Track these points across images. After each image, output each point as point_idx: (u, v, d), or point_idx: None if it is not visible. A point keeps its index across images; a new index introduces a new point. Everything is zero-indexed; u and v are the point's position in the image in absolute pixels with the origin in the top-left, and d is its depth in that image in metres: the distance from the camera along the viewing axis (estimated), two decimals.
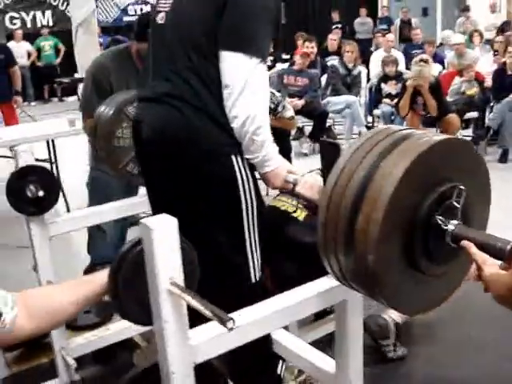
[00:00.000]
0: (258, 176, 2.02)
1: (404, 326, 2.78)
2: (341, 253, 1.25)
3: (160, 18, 2.02)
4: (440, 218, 1.22)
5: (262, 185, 2.10)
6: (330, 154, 1.51)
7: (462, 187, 1.24)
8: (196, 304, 1.18)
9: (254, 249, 2.01)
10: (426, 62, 6.35)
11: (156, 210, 1.91)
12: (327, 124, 7.55)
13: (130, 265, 1.27)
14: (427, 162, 1.20)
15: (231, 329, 1.15)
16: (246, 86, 1.81)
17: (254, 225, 1.99)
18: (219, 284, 1.92)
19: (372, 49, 10.75)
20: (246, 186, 1.94)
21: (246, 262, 2.01)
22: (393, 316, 2.65)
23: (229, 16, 1.82)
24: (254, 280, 2.04)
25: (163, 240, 1.21)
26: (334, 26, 13.41)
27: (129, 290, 1.29)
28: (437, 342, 2.85)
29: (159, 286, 1.23)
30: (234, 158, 1.91)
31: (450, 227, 1.23)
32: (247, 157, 1.91)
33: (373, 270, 1.19)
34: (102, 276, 1.31)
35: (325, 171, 1.55)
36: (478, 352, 2.74)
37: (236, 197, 1.94)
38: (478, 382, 2.55)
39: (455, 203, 1.24)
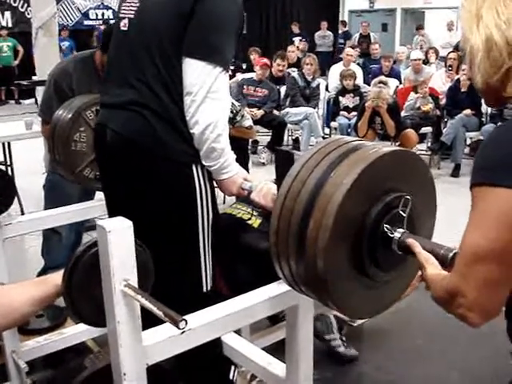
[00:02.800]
0: (215, 185, 2.05)
1: (354, 334, 2.84)
2: (292, 258, 1.29)
3: (123, 25, 2.01)
4: (387, 226, 1.27)
5: (218, 192, 2.13)
6: (284, 162, 1.55)
7: (407, 197, 1.29)
8: (149, 305, 1.20)
9: (207, 259, 2.03)
10: (385, 83, 6.52)
11: (112, 214, 1.92)
12: (294, 136, 7.68)
13: (84, 266, 1.29)
14: (375, 173, 1.25)
15: (183, 330, 1.18)
16: (209, 93, 1.83)
17: (208, 235, 2.01)
18: (171, 292, 1.92)
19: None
20: (204, 197, 1.97)
21: (199, 272, 2.03)
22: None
23: (194, 25, 1.84)
24: (205, 289, 2.06)
25: (119, 242, 1.23)
26: (296, 38, 13.59)
27: (83, 292, 1.31)
28: (386, 350, 2.92)
29: (113, 287, 1.24)
30: (194, 167, 1.93)
31: (396, 235, 1.27)
32: (205, 164, 1.93)
33: (322, 275, 1.23)
34: (57, 277, 1.32)
35: (279, 179, 1.59)
36: (426, 360, 2.81)
37: (193, 207, 1.96)
38: None
39: (401, 212, 1.30)
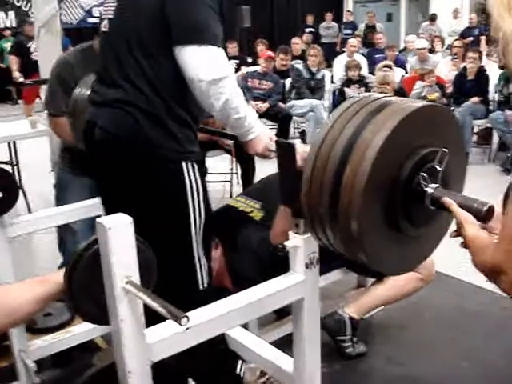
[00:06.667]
0: (207, 183, 2.04)
1: (364, 326, 2.81)
2: (324, 207, 1.28)
3: (104, 26, 2.03)
4: (423, 174, 1.26)
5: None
6: (284, 154, 1.53)
7: (445, 151, 1.28)
8: (151, 302, 1.19)
9: (200, 256, 2.02)
10: (389, 67, 6.48)
11: (108, 212, 1.91)
12: (300, 128, 7.69)
13: (85, 264, 1.28)
14: (414, 124, 1.26)
15: (186, 327, 1.16)
16: (210, 73, 1.82)
17: (200, 232, 2.00)
18: (167, 291, 1.91)
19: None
20: (195, 194, 1.96)
21: (194, 270, 2.01)
22: (347, 311, 2.68)
23: (172, 13, 1.83)
24: (201, 287, 2.04)
25: (119, 239, 1.22)
26: (307, 30, 13.54)
27: (85, 290, 1.29)
28: (396, 342, 2.89)
29: (115, 284, 1.24)
30: (184, 164, 1.92)
31: (430, 190, 1.27)
32: (234, 132, 1.97)
33: (355, 226, 1.23)
34: (59, 275, 1.31)
35: (280, 171, 1.57)
36: (436, 352, 2.78)
37: (184, 203, 1.95)
38: (437, 381, 2.59)
39: (437, 166, 1.28)
